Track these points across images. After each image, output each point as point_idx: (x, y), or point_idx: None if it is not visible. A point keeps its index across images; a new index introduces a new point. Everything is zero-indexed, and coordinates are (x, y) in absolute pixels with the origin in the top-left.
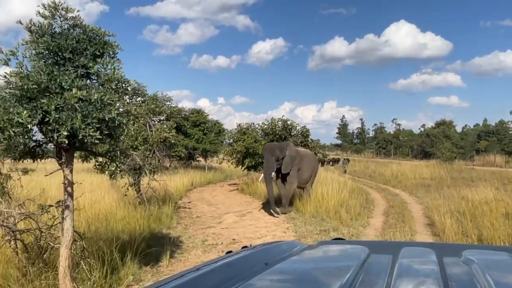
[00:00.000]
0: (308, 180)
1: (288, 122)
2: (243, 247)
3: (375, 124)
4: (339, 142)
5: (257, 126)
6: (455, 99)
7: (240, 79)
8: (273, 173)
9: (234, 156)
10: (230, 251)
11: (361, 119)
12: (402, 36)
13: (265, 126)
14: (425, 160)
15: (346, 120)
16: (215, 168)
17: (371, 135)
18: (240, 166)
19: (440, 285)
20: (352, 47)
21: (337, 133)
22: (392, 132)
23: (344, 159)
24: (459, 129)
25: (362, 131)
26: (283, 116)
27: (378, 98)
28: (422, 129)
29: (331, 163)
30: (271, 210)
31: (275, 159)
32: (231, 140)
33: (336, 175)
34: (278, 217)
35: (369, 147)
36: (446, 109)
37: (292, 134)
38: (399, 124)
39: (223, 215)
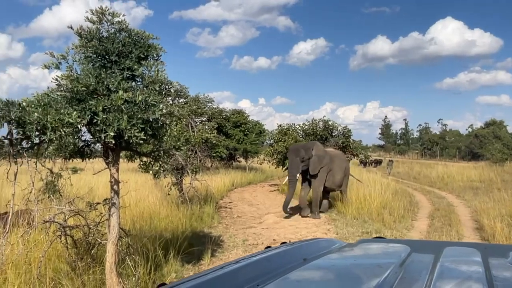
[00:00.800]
0: (341, 182)
1: (330, 123)
2: (282, 243)
3: (419, 125)
4: (381, 143)
5: (298, 126)
6: (505, 98)
7: (281, 80)
8: (298, 175)
9: (275, 156)
10: (269, 246)
11: (405, 120)
12: (449, 34)
13: (306, 127)
14: (473, 162)
15: (389, 121)
16: (255, 168)
17: (415, 135)
18: (281, 167)
19: (485, 286)
20: (395, 45)
21: (379, 133)
22: (438, 133)
23: (389, 160)
24: (510, 129)
25: (406, 131)
26: (324, 116)
27: (423, 97)
28: (470, 129)
29: (373, 164)
30: (283, 210)
31: (300, 159)
32: (272, 140)
33: (379, 177)
34: (287, 215)
35: (414, 148)
36: (496, 108)
37: (334, 134)
38: (445, 125)
39: (264, 215)
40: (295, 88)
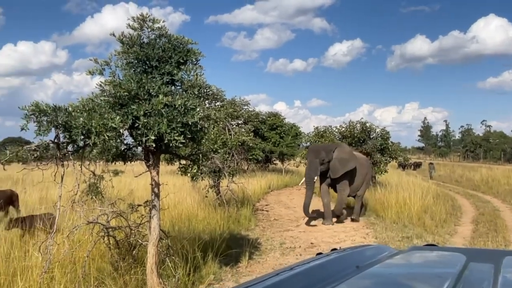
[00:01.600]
0: (359, 187)
1: (367, 125)
2: (332, 249)
3: (461, 126)
4: (421, 145)
5: (334, 129)
6: None
7: (316, 82)
8: (316, 178)
9: None
10: (320, 253)
11: (446, 121)
12: (492, 32)
13: (343, 129)
14: None
15: (428, 122)
16: (292, 171)
17: (457, 137)
18: None
19: None
20: (435, 45)
21: (419, 135)
22: (481, 134)
23: (429, 163)
24: None
25: (447, 133)
26: (361, 118)
27: (465, 98)
28: None
29: (412, 167)
30: (305, 214)
31: (319, 161)
32: (308, 143)
33: (419, 180)
34: (310, 217)
35: (455, 150)
36: None
37: (371, 136)
38: (489, 126)
39: (301, 218)
40: (331, 90)
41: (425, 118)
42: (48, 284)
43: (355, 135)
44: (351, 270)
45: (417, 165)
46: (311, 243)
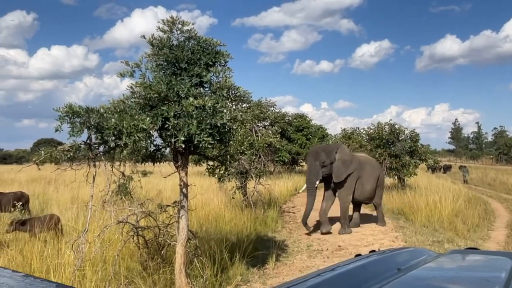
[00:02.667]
0: (372, 193)
1: (396, 126)
2: (371, 251)
3: (494, 128)
4: (451, 147)
5: (362, 130)
6: None
7: (343, 83)
8: (317, 182)
9: None
10: (359, 254)
11: (478, 123)
12: None
13: (371, 131)
14: None
15: (459, 124)
16: None
17: (489, 139)
18: None
19: None
20: (465, 45)
21: (449, 137)
22: None
23: (462, 167)
24: None
25: (478, 135)
26: (390, 120)
27: (498, 99)
28: None
29: (442, 170)
30: (303, 223)
31: (320, 164)
32: None
33: (449, 183)
34: (309, 232)
35: (488, 152)
36: None
37: (400, 139)
38: None
39: None
40: (358, 91)
41: (456, 119)
42: (80, 281)
43: (384, 137)
44: (392, 273)
45: (447, 168)
46: (339, 246)
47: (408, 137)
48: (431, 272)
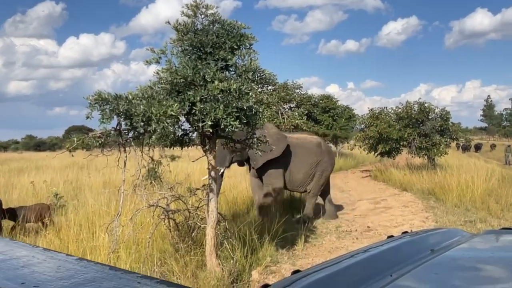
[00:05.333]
0: (307, 181)
1: (425, 105)
2: (403, 232)
3: None
4: (484, 125)
5: (390, 110)
6: None
7: (370, 63)
8: (222, 170)
9: (366, 142)
10: (392, 236)
11: (511, 99)
12: None
13: (399, 110)
14: None
15: (492, 101)
16: (346, 154)
17: None
18: (373, 152)
19: None
20: (497, 19)
21: (481, 115)
22: None
23: (508, 146)
24: None
25: None
26: (419, 98)
27: None
28: None
29: (474, 149)
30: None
31: (228, 149)
32: (363, 125)
33: (482, 162)
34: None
35: None
36: None
37: (430, 117)
38: None
39: (356, 202)
40: (385, 70)
41: (488, 96)
42: (115, 263)
43: (413, 116)
44: (426, 254)
45: (478, 147)
46: (368, 227)
47: (438, 116)
48: (465, 252)
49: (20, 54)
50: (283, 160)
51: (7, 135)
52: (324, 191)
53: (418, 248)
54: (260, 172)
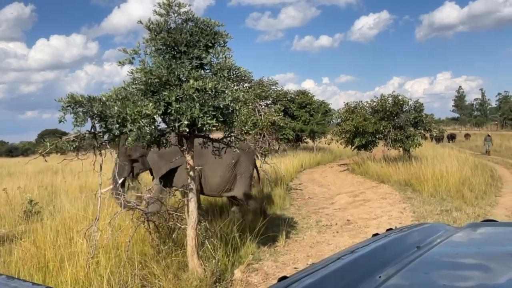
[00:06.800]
0: (227, 186)
1: (399, 98)
2: (387, 230)
3: (498, 93)
4: (456, 115)
5: (365, 104)
6: None
7: (344, 58)
8: (120, 181)
9: (343, 136)
10: (377, 234)
11: (481, 89)
12: None
13: (374, 104)
14: None
15: (463, 91)
16: (323, 149)
17: (493, 105)
18: (350, 146)
19: None
20: (464, 11)
21: (453, 105)
22: None
23: (487, 136)
24: None
25: (482, 102)
26: (393, 91)
27: (501, 65)
28: None
29: (447, 139)
30: None
31: (125, 158)
32: (339, 119)
33: (455, 152)
34: None
35: (492, 119)
36: None
37: (404, 110)
38: None
39: (335, 196)
40: (359, 64)
41: (460, 87)
42: (95, 269)
43: (387, 109)
44: (412, 251)
45: (451, 137)
46: (348, 220)
47: (412, 108)
48: (452, 248)
49: None
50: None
51: None
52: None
53: (404, 246)
54: (166, 181)
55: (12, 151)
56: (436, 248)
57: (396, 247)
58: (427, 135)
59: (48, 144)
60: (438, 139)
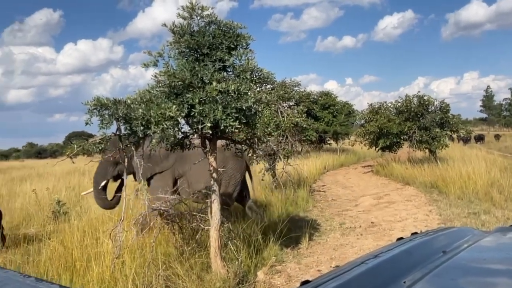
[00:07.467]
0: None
1: (425, 98)
2: (412, 233)
3: None
4: (483, 115)
5: (389, 104)
6: None
7: (367, 58)
8: (103, 183)
9: (367, 137)
10: (402, 238)
11: (510, 89)
12: None
13: (399, 104)
14: None
15: (491, 91)
16: (347, 150)
17: None
18: (374, 147)
19: None
20: (492, 9)
21: (480, 106)
22: None
23: None
24: None
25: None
26: (418, 92)
27: None
28: None
29: (475, 140)
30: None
31: (110, 160)
32: (363, 121)
33: (483, 153)
34: None
35: None
36: None
37: (430, 110)
38: None
39: (359, 197)
40: (383, 65)
41: (488, 86)
42: (120, 268)
43: (412, 109)
44: (438, 256)
45: (479, 138)
46: (372, 223)
47: (438, 108)
48: (479, 254)
49: (19, 62)
50: (173, 172)
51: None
52: (243, 197)
53: (430, 251)
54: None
55: (41, 153)
56: (463, 253)
57: (422, 251)
58: (454, 136)
59: (75, 146)
60: (465, 140)
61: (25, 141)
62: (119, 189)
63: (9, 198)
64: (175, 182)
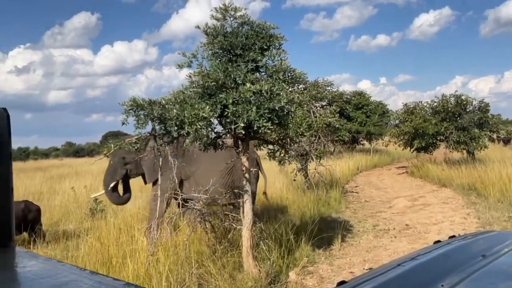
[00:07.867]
0: (218, 194)
1: (462, 97)
2: (450, 237)
3: None
4: None
5: (425, 104)
6: None
7: (402, 57)
8: (112, 184)
9: (401, 137)
10: (439, 241)
11: None
12: None
13: (435, 104)
14: None
15: None
16: (380, 151)
17: None
18: (409, 148)
19: None
20: None
21: None
22: None
23: None
24: None
25: None
26: (455, 91)
27: None
28: None
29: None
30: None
31: (119, 160)
32: (397, 121)
33: None
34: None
35: None
36: None
37: (468, 110)
38: None
39: (393, 199)
40: (419, 63)
41: None
42: (154, 266)
43: (449, 109)
44: (477, 260)
45: None
46: (406, 225)
47: (477, 108)
48: None
49: (58, 64)
50: (182, 172)
51: (48, 143)
52: None
53: (468, 254)
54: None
55: (78, 152)
56: (503, 257)
57: (460, 255)
58: (494, 136)
59: (112, 145)
60: (506, 141)
61: (64, 140)
62: (125, 189)
63: (49, 196)
64: (180, 183)
